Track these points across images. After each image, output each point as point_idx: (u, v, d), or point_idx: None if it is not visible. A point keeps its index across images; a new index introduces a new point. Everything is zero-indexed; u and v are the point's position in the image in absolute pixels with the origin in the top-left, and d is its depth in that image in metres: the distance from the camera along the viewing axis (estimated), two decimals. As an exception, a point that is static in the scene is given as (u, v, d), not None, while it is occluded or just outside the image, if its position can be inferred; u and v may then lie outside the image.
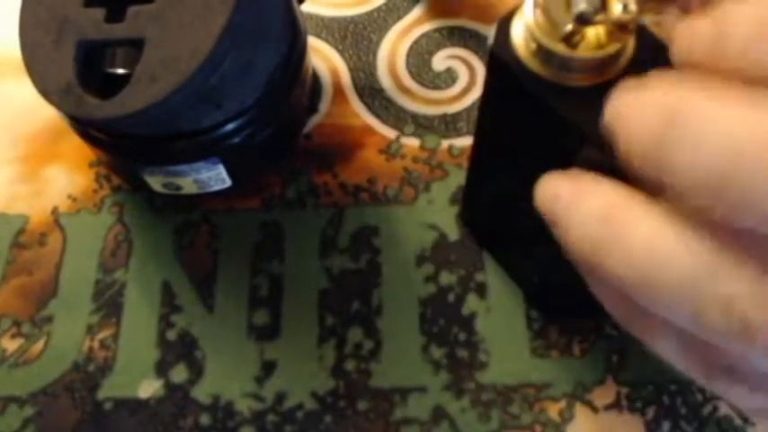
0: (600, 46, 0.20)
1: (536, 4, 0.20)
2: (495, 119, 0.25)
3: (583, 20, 0.19)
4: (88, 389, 0.30)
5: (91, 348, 0.31)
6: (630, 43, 0.21)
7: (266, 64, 0.30)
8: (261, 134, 0.32)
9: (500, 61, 0.21)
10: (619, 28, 0.20)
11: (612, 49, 0.20)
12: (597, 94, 0.19)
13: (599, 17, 0.19)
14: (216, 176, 0.32)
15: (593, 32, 0.20)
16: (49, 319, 0.32)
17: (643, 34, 0.21)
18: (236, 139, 0.31)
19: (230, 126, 0.30)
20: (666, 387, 0.30)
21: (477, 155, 0.29)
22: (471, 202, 0.32)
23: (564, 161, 0.23)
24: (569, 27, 0.19)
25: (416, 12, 0.40)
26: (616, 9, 0.19)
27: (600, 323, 0.31)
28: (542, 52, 0.20)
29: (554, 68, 0.20)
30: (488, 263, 0.32)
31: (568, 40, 0.19)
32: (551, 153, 0.22)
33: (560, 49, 0.20)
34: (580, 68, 0.20)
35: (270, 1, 0.30)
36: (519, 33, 0.21)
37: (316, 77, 0.37)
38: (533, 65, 0.21)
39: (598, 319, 0.31)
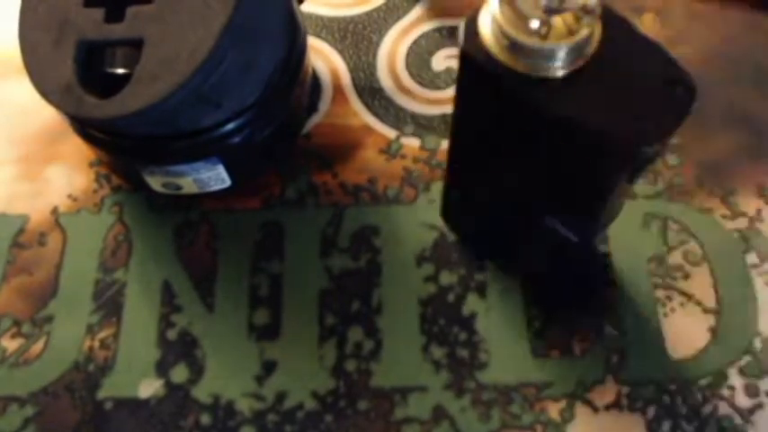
0: (569, 33, 0.20)
1: (501, 1, 0.20)
2: (471, 118, 0.25)
3: (551, 10, 0.19)
4: (88, 388, 0.30)
5: (91, 348, 0.31)
6: (598, 26, 0.20)
7: (266, 64, 0.30)
8: (260, 134, 0.32)
9: (473, 60, 0.21)
10: (584, 12, 0.20)
11: (582, 34, 0.20)
12: (572, 82, 0.20)
13: (565, 4, 0.19)
14: (215, 176, 0.32)
15: (561, 20, 0.20)
16: (50, 319, 0.32)
17: (607, 15, 0.21)
18: (236, 139, 0.31)
19: (230, 126, 0.30)
20: (667, 386, 0.30)
21: (455, 155, 0.28)
22: (451, 201, 0.32)
23: (546, 151, 0.23)
24: (538, 19, 0.19)
25: (416, 12, 0.40)
26: None
27: (600, 323, 0.31)
28: (514, 46, 0.20)
29: (527, 61, 0.20)
30: (488, 262, 0.32)
31: (538, 31, 0.20)
32: (533, 145, 0.23)
33: (532, 41, 0.20)
34: (553, 58, 0.20)
35: (269, 1, 0.30)
36: (487, 30, 0.21)
37: (315, 77, 0.37)
38: (506, 59, 0.21)
39: (599, 319, 0.31)
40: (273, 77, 0.31)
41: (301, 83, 0.33)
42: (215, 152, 0.31)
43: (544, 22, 0.19)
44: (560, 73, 0.20)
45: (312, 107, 0.37)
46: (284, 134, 0.34)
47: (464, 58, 0.22)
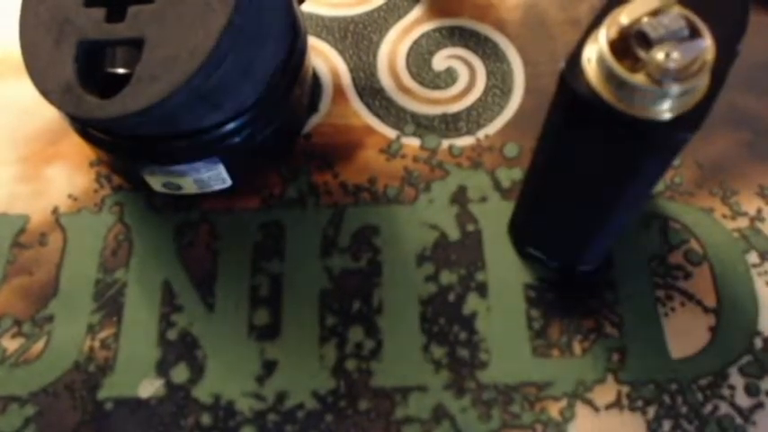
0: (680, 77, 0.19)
1: (614, 50, 0.20)
2: (566, 151, 0.24)
3: (674, 76, 0.19)
4: (89, 388, 0.30)
5: (91, 348, 0.31)
6: (707, 76, 0.20)
7: (266, 64, 0.30)
8: (261, 134, 0.32)
9: (577, 96, 0.21)
10: (700, 64, 0.19)
11: (694, 81, 0.19)
12: (683, 123, 0.20)
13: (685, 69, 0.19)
14: (216, 176, 0.32)
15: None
16: (50, 319, 0.32)
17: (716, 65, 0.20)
18: (236, 139, 0.31)
19: (230, 126, 0.30)
20: (667, 386, 0.30)
21: (537, 182, 0.28)
22: (525, 225, 0.32)
23: (644, 184, 0.22)
24: (657, 70, 0.19)
25: (416, 12, 0.40)
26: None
27: (600, 323, 0.31)
28: (623, 88, 0.20)
29: (634, 102, 0.20)
30: (489, 262, 0.32)
31: (657, 81, 0.19)
32: (631, 178, 0.23)
33: (648, 85, 0.19)
34: (662, 101, 0.20)
35: (270, 1, 0.30)
36: (594, 70, 0.20)
37: (316, 77, 0.37)
38: (611, 98, 0.20)
39: (598, 318, 0.31)
40: (274, 77, 0.31)
41: (302, 83, 0.33)
42: (215, 152, 0.31)
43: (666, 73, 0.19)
44: (667, 116, 0.20)
45: (312, 107, 0.37)
46: (285, 134, 0.34)
47: (567, 92, 0.21)
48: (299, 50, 0.32)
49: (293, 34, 0.32)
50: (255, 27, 0.29)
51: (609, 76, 0.20)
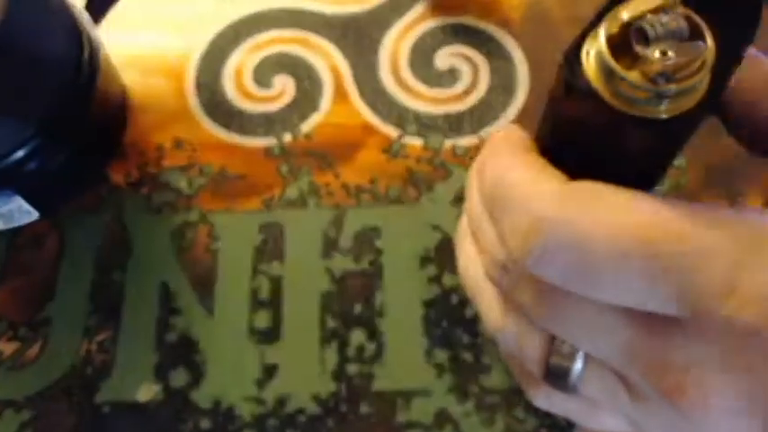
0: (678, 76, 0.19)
1: (614, 46, 0.19)
2: (561, 147, 0.24)
3: (667, 76, 0.18)
4: (86, 392, 0.30)
5: (89, 351, 0.31)
6: (707, 76, 0.20)
7: (45, 86, 0.28)
8: (55, 160, 0.30)
9: (577, 94, 0.20)
10: (700, 65, 0.19)
11: (695, 79, 0.19)
12: (679, 124, 0.19)
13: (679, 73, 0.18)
14: (18, 209, 0.31)
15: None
16: (46, 322, 0.31)
17: (718, 68, 0.20)
18: (29, 168, 0.29)
19: (18, 154, 0.29)
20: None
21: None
22: None
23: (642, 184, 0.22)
24: (656, 68, 0.18)
25: (419, 9, 0.39)
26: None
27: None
28: (619, 85, 0.19)
29: (631, 100, 0.19)
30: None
31: (653, 80, 0.19)
32: (627, 177, 0.22)
33: (643, 83, 0.19)
34: (662, 101, 0.19)
35: (40, 23, 0.28)
36: (591, 65, 0.20)
37: (125, 92, 0.36)
38: (608, 95, 0.19)
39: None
40: (60, 99, 0.29)
41: (101, 102, 0.32)
42: (8, 184, 0.29)
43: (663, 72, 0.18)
44: (663, 116, 0.19)
45: (123, 123, 0.35)
46: (89, 156, 0.33)
47: (563, 85, 0.21)
48: (91, 68, 0.31)
49: (78, 51, 0.30)
50: (23, 49, 0.27)
51: (605, 71, 0.20)
